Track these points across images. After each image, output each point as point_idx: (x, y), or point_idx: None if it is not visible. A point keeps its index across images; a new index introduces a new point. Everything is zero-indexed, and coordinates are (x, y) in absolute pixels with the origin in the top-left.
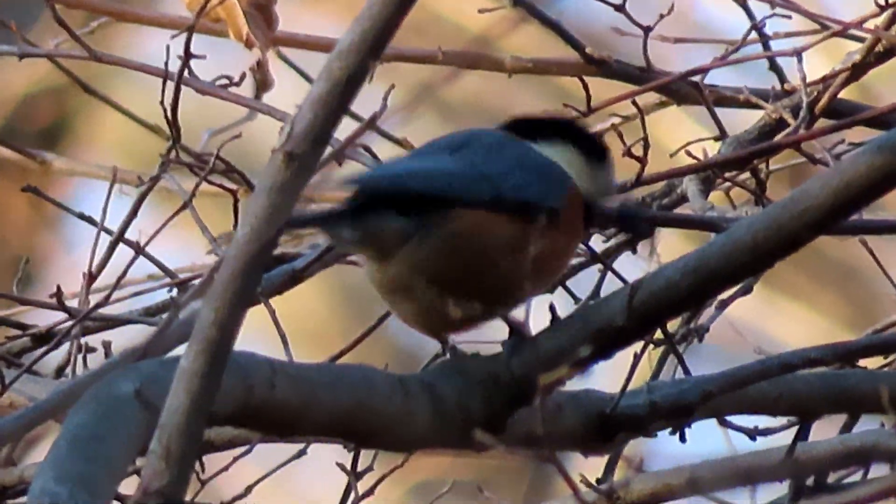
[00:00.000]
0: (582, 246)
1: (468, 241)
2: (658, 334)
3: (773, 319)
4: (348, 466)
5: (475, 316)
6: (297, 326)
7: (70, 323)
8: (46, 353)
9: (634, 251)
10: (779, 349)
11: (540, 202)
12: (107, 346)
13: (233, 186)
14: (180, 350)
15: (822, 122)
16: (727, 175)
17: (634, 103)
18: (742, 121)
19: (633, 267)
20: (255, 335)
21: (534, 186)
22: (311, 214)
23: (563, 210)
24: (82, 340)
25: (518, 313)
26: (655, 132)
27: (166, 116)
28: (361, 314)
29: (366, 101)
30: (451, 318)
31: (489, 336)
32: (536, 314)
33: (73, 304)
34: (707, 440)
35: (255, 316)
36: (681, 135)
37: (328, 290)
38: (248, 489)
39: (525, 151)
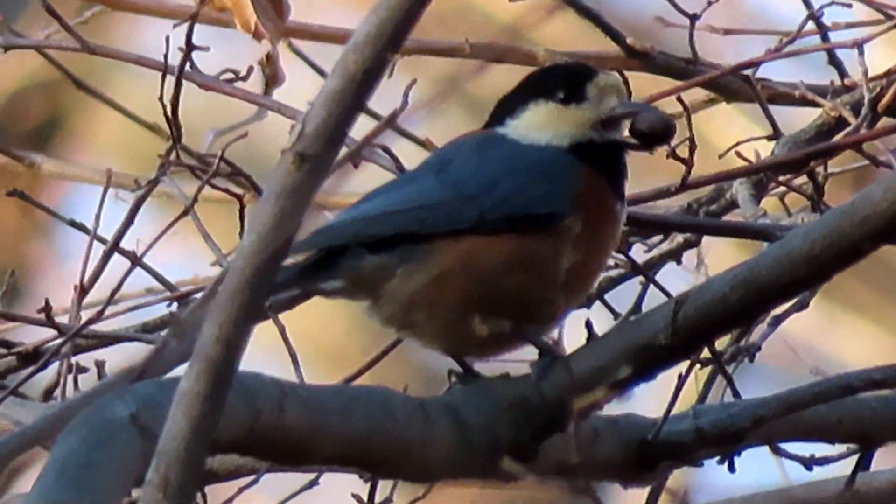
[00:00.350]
0: (621, 256)
1: (460, 271)
2: (705, 353)
3: (833, 336)
4: (365, 498)
5: (506, 334)
6: (312, 344)
7: (60, 340)
8: (34, 373)
9: (679, 262)
10: (839, 369)
11: (532, 211)
12: (100, 365)
13: (239, 191)
14: (180, 370)
15: (885, 121)
16: (781, 178)
17: (680, 100)
18: (799, 119)
19: (677, 279)
20: (264, 354)
21: (529, 191)
22: (285, 276)
23: (578, 207)
24: (73, 359)
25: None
26: (704, 131)
27: (166, 114)
28: (386, 333)
29: (385, 98)
30: (479, 337)
31: (518, 355)
32: (571, 331)
33: (63, 319)
34: (759, 469)
35: (265, 333)
36: (732, 133)
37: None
38: None
39: (516, 152)
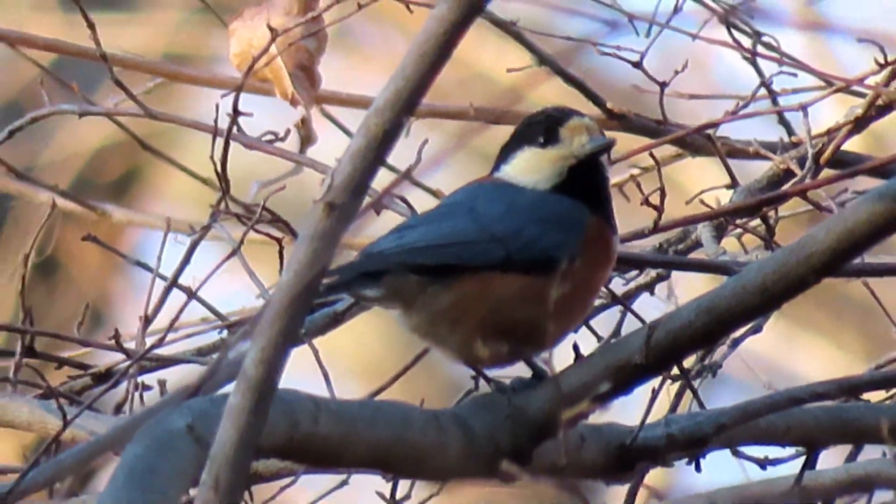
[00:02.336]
0: (603, 289)
1: (478, 299)
2: (675, 371)
3: (794, 354)
4: (388, 495)
5: (503, 355)
6: (352, 361)
7: (128, 363)
8: (106, 391)
9: (652, 293)
10: (795, 382)
11: (553, 255)
12: (162, 384)
13: (278, 235)
14: (229, 388)
15: (827, 172)
16: (739, 222)
17: (652, 155)
18: (758, 167)
19: (651, 308)
20: (304, 373)
21: (547, 237)
22: (336, 281)
23: (584, 251)
24: (139, 379)
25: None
26: (681, 178)
27: (216, 170)
28: (414, 348)
29: (403, 154)
30: (480, 356)
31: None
32: (561, 352)
33: (130, 345)
34: (721, 469)
35: (303, 355)
36: (703, 180)
37: (383, 325)
38: None
39: (537, 201)
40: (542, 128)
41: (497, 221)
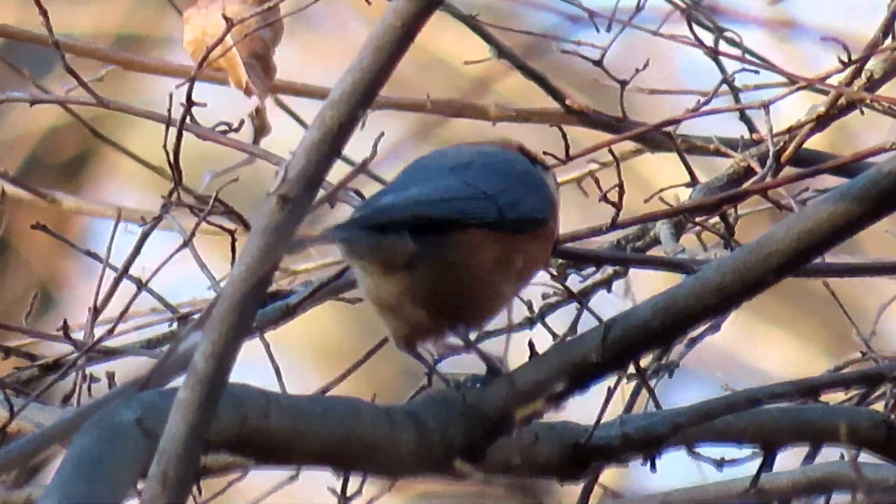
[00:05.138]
0: (559, 285)
1: (466, 262)
2: (631, 369)
3: (755, 348)
4: (339, 491)
5: (446, 331)
6: (307, 344)
7: (76, 354)
8: (54, 382)
9: (609, 290)
10: (759, 377)
11: (534, 216)
12: (110, 376)
13: (231, 226)
14: (180, 380)
15: (788, 170)
16: (698, 219)
17: (611, 151)
18: (722, 164)
19: (608, 305)
20: (257, 363)
21: (528, 199)
22: (341, 234)
23: (552, 217)
24: (87, 370)
25: (496, 350)
26: (642, 170)
27: (168, 160)
28: (375, 333)
29: (358, 146)
30: (425, 333)
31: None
32: (515, 349)
33: (79, 335)
34: (677, 469)
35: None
36: (666, 173)
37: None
38: None
39: (518, 164)
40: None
41: (481, 180)
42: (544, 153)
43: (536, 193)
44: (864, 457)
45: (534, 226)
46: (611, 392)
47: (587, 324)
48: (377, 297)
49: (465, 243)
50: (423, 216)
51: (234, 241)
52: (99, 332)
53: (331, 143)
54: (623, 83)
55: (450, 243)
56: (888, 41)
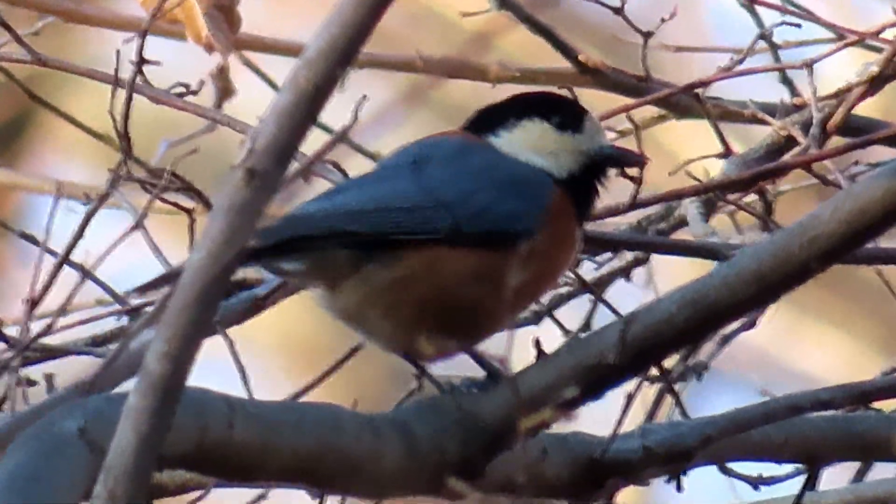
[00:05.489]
0: (570, 274)
1: (422, 279)
2: (653, 372)
3: (797, 347)
4: None
5: (440, 346)
6: (277, 338)
7: (10, 353)
8: None
9: (629, 279)
10: (802, 382)
11: (508, 227)
12: (49, 378)
13: (189, 205)
14: (130, 385)
15: (836, 141)
16: (731, 197)
17: (630, 118)
18: (759, 133)
19: (627, 297)
20: (219, 363)
21: (505, 205)
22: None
23: (545, 226)
24: (22, 372)
25: (497, 349)
26: (666, 142)
27: (116, 128)
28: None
29: (340, 110)
30: (414, 347)
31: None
32: (520, 348)
33: (13, 331)
34: (707, 489)
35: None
36: (694, 145)
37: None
38: None
39: (495, 161)
40: (565, 109)
41: (445, 184)
42: None
43: (519, 199)
44: None
45: (509, 240)
46: (630, 398)
47: (603, 319)
48: (333, 311)
49: (413, 260)
50: (343, 232)
51: (192, 221)
52: (36, 327)
53: (306, 108)
54: (647, 35)
55: (397, 259)
56: None
